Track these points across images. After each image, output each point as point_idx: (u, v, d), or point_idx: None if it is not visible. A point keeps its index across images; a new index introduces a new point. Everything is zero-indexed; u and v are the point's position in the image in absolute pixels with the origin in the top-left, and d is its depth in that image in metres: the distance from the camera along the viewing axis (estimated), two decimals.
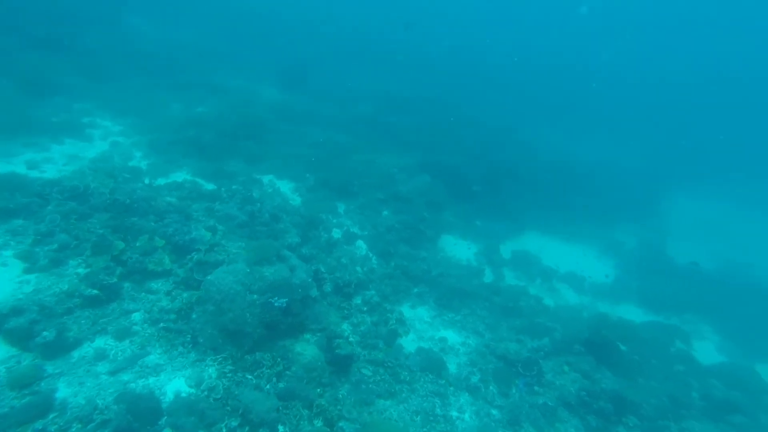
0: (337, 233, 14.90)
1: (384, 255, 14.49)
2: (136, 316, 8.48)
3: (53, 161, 13.65)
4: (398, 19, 48.17)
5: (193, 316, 8.60)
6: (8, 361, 6.85)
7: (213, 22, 38.78)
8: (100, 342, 7.71)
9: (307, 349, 9.01)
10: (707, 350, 15.59)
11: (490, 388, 10.21)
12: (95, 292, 8.31)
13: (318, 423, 7.77)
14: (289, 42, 39.40)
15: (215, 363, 8.07)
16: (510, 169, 23.89)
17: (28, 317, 7.22)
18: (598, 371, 10.78)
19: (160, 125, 18.38)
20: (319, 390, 8.44)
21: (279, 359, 8.52)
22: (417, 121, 28.67)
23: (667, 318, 16.91)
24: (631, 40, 62.62)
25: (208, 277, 8.86)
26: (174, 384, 7.42)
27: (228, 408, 7.25)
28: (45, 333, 7.13)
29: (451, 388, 9.96)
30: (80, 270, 8.70)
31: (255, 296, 8.70)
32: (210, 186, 14.60)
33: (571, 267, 18.63)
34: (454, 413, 9.30)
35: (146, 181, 13.71)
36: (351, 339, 10.05)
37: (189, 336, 8.36)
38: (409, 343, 11.05)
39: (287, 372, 8.39)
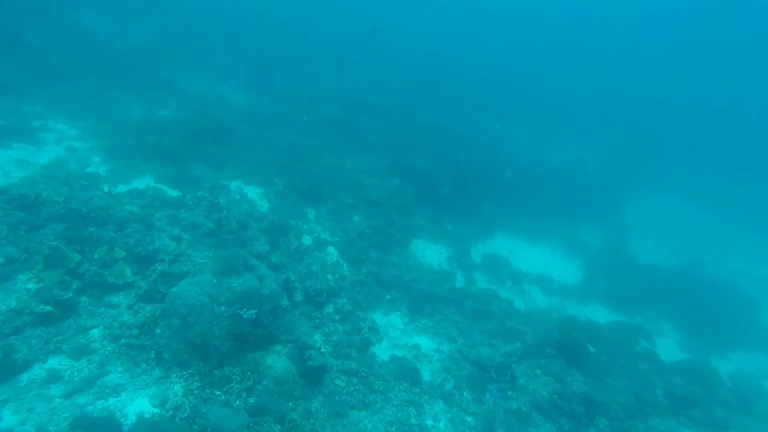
0: (307, 240, 14.63)
1: (355, 261, 14.31)
2: (95, 333, 7.95)
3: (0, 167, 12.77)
4: (364, 22, 48.17)
5: (157, 330, 8.17)
6: None
7: (172, 21, 37.41)
8: (53, 362, 7.18)
9: (278, 361, 8.73)
10: (669, 347, 16.20)
11: (465, 394, 10.20)
12: (48, 308, 7.74)
13: None
14: (253, 42, 38.57)
15: (181, 379, 7.68)
16: (477, 171, 24.18)
17: None
18: (568, 373, 10.97)
19: (120, 129, 17.53)
20: (291, 404, 8.19)
21: (249, 373, 8.20)
22: (383, 124, 28.62)
23: (631, 317, 17.51)
24: (590, 43, 65.08)
25: (173, 289, 8.44)
26: (136, 404, 6.99)
27: (195, 427, 6.90)
28: None
29: (426, 396, 9.89)
30: (31, 285, 8.09)
31: (223, 308, 8.37)
32: (174, 192, 14.02)
33: (539, 269, 19.04)
34: (430, 422, 9.23)
35: (105, 188, 12.99)
36: (323, 349, 9.82)
37: (153, 352, 7.93)
38: (382, 351, 10.91)
39: (258, 386, 8.09)
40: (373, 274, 13.68)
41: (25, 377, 6.80)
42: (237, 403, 7.61)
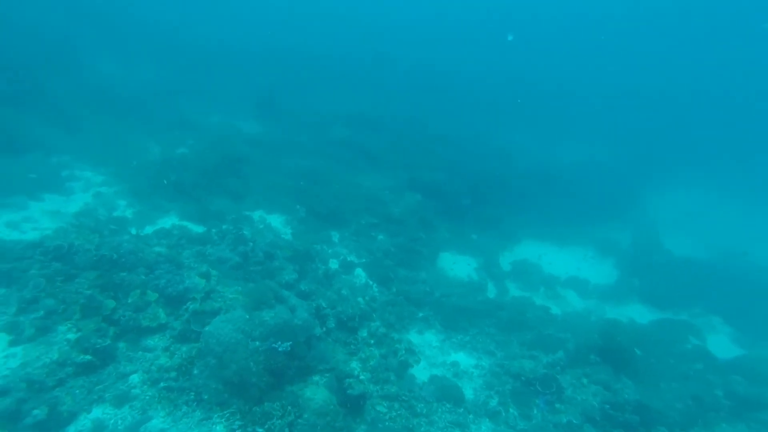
0: (334, 263, 14.55)
1: (384, 281, 14.14)
2: (134, 378, 7.98)
3: (33, 220, 13.13)
4: (363, 39, 48.63)
5: (195, 371, 8.14)
6: None
7: (180, 59, 38.38)
8: (97, 412, 7.20)
9: (317, 392, 8.56)
10: (722, 343, 15.33)
11: (510, 410, 9.83)
12: (88, 357, 7.81)
13: None
14: (258, 71, 39.29)
15: (222, 419, 7.59)
16: (494, 179, 23.94)
17: (15, 396, 6.70)
18: (617, 381, 10.47)
19: (142, 170, 17.96)
20: None
21: (289, 407, 8.06)
22: (392, 138, 28.74)
23: (676, 314, 16.73)
24: (597, 40, 64.21)
25: (207, 328, 8.42)
26: None
27: None
28: (35, 411, 6.61)
29: (471, 416, 9.56)
30: (70, 335, 8.19)
31: (257, 343, 8.29)
32: (199, 228, 14.19)
33: (571, 271, 18.48)
34: None
35: (133, 231, 13.24)
36: (361, 376, 9.63)
37: (192, 393, 7.88)
38: (421, 371, 10.66)
39: (299, 420, 7.93)
40: (403, 292, 13.49)
41: (71, 429, 6.82)
42: None
